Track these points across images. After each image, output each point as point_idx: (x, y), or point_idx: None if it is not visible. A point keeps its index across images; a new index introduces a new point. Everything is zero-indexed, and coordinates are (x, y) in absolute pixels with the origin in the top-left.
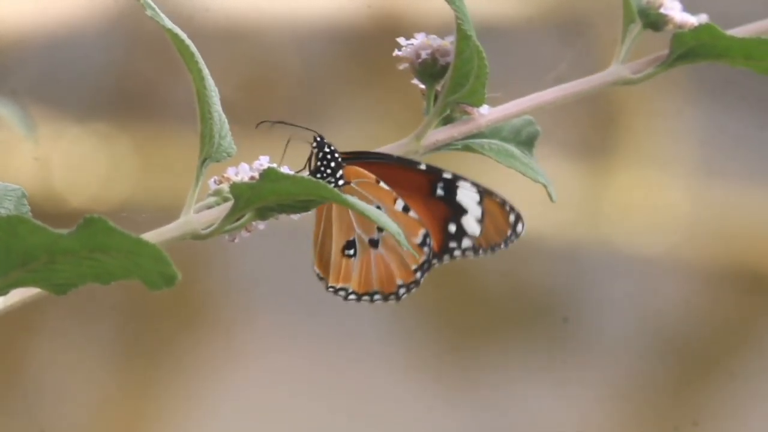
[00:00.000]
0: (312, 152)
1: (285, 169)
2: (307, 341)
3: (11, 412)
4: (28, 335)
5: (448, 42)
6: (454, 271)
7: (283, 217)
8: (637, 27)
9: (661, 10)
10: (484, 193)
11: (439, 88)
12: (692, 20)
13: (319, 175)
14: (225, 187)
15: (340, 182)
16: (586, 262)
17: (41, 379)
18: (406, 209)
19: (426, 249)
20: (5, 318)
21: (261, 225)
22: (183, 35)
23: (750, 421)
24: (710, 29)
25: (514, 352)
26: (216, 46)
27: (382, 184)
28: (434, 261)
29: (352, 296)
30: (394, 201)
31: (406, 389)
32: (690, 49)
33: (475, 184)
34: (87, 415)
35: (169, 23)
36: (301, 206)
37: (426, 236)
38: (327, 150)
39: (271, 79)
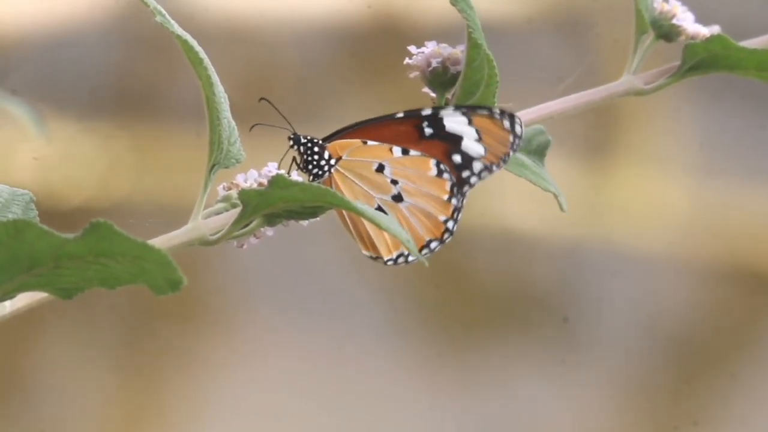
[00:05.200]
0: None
1: (294, 176)
2: (306, 340)
3: (12, 413)
4: (28, 335)
5: (458, 50)
6: (454, 271)
7: (292, 223)
8: (649, 38)
9: (674, 21)
10: (470, 112)
11: (449, 96)
12: (704, 31)
13: (310, 167)
14: (234, 193)
15: (332, 161)
16: (586, 261)
17: (42, 379)
18: (405, 152)
19: (446, 175)
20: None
21: (269, 231)
22: (193, 41)
23: (750, 421)
24: (722, 40)
25: (514, 352)
26: (216, 45)
27: (369, 143)
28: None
29: (412, 258)
30: (391, 151)
31: (406, 388)
32: (702, 60)
33: (457, 108)
34: (88, 416)
35: (178, 29)
36: (310, 212)
37: (438, 165)
38: (304, 141)
39: (271, 78)
